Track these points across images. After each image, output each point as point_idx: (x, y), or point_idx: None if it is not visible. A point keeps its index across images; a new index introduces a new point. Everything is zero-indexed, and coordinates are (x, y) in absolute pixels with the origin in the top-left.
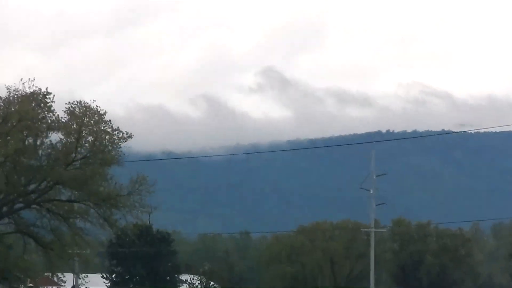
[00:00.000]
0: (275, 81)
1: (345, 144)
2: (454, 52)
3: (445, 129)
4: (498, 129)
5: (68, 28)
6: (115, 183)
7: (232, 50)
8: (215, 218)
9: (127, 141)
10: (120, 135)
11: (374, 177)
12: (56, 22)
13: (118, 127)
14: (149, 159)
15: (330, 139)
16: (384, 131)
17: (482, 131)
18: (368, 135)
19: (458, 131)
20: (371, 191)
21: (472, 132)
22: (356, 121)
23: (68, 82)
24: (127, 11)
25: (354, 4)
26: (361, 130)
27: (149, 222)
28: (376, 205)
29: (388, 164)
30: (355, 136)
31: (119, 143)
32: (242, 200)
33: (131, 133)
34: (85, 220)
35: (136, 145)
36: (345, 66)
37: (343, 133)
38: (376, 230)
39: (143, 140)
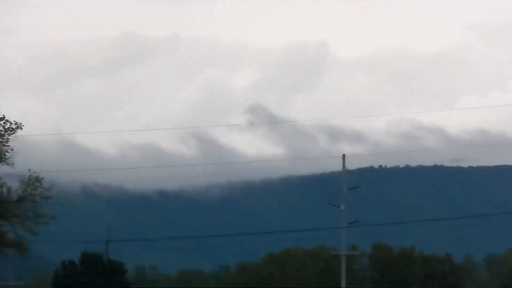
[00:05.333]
0: (266, 119)
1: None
2: (444, 88)
3: (438, 164)
4: (491, 164)
5: (65, 68)
6: (2, 187)
7: (225, 88)
8: (208, 256)
9: (16, 133)
10: (7, 126)
11: (345, 190)
12: (53, 63)
13: (3, 115)
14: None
15: (322, 175)
16: (376, 166)
17: (475, 165)
18: (360, 170)
19: (451, 165)
20: (342, 207)
21: (465, 166)
22: (348, 157)
23: (62, 122)
24: (123, 52)
25: (348, 42)
26: (353, 165)
27: (106, 252)
28: (349, 224)
29: (381, 198)
30: (348, 172)
31: (7, 136)
32: (234, 238)
33: (20, 123)
34: None
35: (130, 184)
36: (335, 103)
37: (335, 169)
38: (347, 253)
39: (137, 179)
